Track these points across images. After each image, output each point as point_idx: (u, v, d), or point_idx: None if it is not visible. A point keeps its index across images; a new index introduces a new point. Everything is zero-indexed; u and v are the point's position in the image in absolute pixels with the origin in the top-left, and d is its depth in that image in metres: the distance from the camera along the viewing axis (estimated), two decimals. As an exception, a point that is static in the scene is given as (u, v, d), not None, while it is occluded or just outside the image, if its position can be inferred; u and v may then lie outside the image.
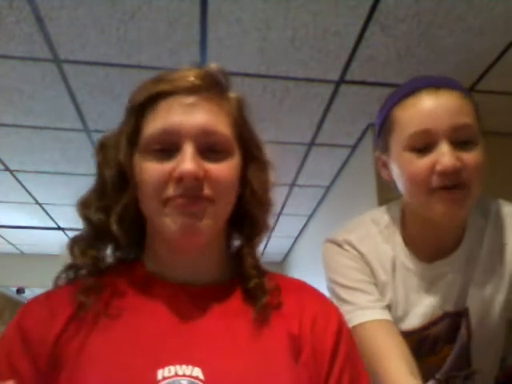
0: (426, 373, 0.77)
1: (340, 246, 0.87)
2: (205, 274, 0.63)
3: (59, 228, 3.72)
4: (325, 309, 0.64)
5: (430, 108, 0.74)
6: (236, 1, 1.43)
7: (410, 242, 0.85)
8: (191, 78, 0.58)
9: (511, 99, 1.93)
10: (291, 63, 1.71)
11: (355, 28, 1.54)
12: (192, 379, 0.50)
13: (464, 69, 1.74)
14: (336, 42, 1.60)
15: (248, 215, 0.64)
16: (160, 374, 0.50)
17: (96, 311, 0.57)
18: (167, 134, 0.56)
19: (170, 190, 0.55)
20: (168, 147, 0.56)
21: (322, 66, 1.73)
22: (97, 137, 2.10)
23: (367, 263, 0.85)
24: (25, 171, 2.65)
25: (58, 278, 0.63)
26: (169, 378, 0.50)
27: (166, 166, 0.55)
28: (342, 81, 1.82)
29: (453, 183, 0.73)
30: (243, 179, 0.62)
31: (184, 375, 0.51)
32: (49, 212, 3.37)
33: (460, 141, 0.73)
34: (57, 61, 1.70)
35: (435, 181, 0.73)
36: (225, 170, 0.58)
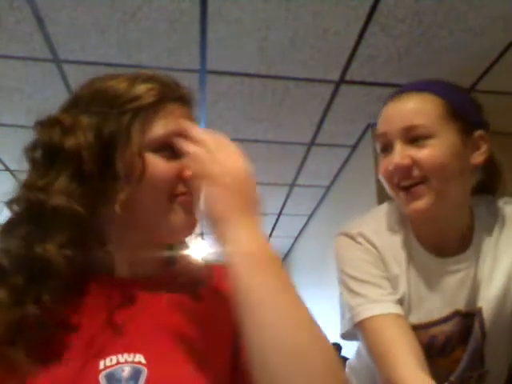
0: (437, 376, 0.76)
1: (353, 238, 0.87)
2: (148, 266, 0.64)
3: (59, 228, 3.72)
4: None
5: (387, 112, 0.82)
6: (236, 1, 1.43)
7: (420, 236, 0.86)
8: (186, 89, 0.65)
9: (511, 99, 1.94)
10: (291, 63, 1.71)
11: (355, 28, 1.54)
12: (134, 364, 0.52)
13: (464, 69, 1.74)
14: (336, 42, 1.60)
15: None
16: (102, 364, 0.51)
17: None
18: (177, 137, 0.61)
19: (180, 187, 0.60)
20: (173, 149, 0.61)
21: (322, 65, 1.73)
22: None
23: (380, 256, 0.85)
24: (25, 171, 2.65)
25: None
26: (111, 366, 0.51)
27: (176, 166, 0.60)
28: (341, 81, 1.82)
29: (409, 183, 0.77)
30: None
31: (126, 362, 0.52)
32: (49, 212, 3.37)
33: (413, 138, 0.78)
34: (57, 61, 1.70)
35: (395, 179, 0.79)
36: None
